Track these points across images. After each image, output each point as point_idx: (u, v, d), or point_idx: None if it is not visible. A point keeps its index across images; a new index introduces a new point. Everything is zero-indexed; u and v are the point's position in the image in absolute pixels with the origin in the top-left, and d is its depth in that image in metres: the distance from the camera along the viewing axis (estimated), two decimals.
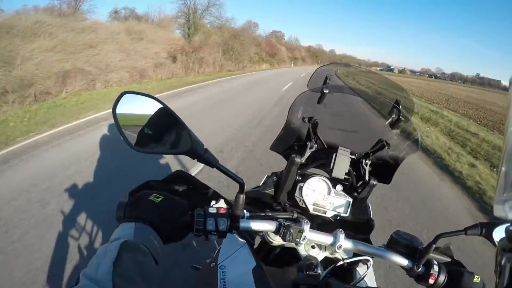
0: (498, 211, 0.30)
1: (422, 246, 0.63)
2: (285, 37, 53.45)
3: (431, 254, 0.61)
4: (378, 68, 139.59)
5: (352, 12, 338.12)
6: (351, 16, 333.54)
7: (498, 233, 0.59)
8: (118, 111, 0.54)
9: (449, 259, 0.65)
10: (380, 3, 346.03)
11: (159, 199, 0.55)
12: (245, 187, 0.56)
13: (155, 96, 0.56)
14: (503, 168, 0.30)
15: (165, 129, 0.55)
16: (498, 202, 0.30)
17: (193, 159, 0.53)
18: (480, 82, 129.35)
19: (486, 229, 0.58)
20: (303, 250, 0.68)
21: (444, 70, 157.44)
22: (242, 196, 0.56)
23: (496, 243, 0.34)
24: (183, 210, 0.56)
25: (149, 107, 0.55)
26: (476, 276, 0.58)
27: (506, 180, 0.29)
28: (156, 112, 0.55)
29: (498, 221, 0.59)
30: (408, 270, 0.63)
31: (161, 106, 0.55)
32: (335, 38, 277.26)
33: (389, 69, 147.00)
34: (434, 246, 0.59)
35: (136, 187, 0.62)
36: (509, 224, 0.33)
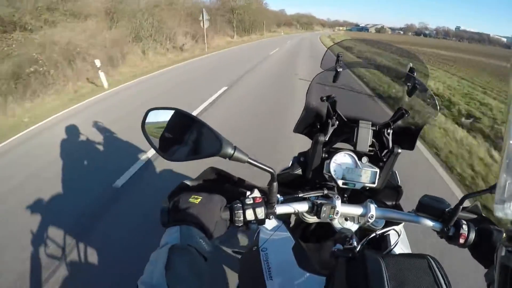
0: (498, 211, 0.30)
1: (450, 207, 0.65)
2: None
3: (460, 213, 0.62)
4: (344, 28, 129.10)
5: None
6: None
7: None
8: (147, 127, 0.58)
9: (477, 217, 0.67)
10: None
11: (198, 200, 0.58)
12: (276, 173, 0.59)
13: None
14: (503, 169, 0.30)
15: (193, 136, 0.57)
16: (498, 202, 0.30)
17: (225, 158, 0.54)
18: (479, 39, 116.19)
19: None
20: (337, 223, 0.71)
21: (429, 25, 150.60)
22: (275, 184, 0.59)
23: None
24: (221, 205, 0.59)
25: (175, 118, 0.58)
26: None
27: (506, 180, 0.30)
28: (182, 122, 0.58)
29: None
30: (439, 232, 0.65)
31: (185, 115, 0.57)
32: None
33: (361, 28, 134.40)
34: (461, 207, 0.61)
35: (173, 190, 0.64)
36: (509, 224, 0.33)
